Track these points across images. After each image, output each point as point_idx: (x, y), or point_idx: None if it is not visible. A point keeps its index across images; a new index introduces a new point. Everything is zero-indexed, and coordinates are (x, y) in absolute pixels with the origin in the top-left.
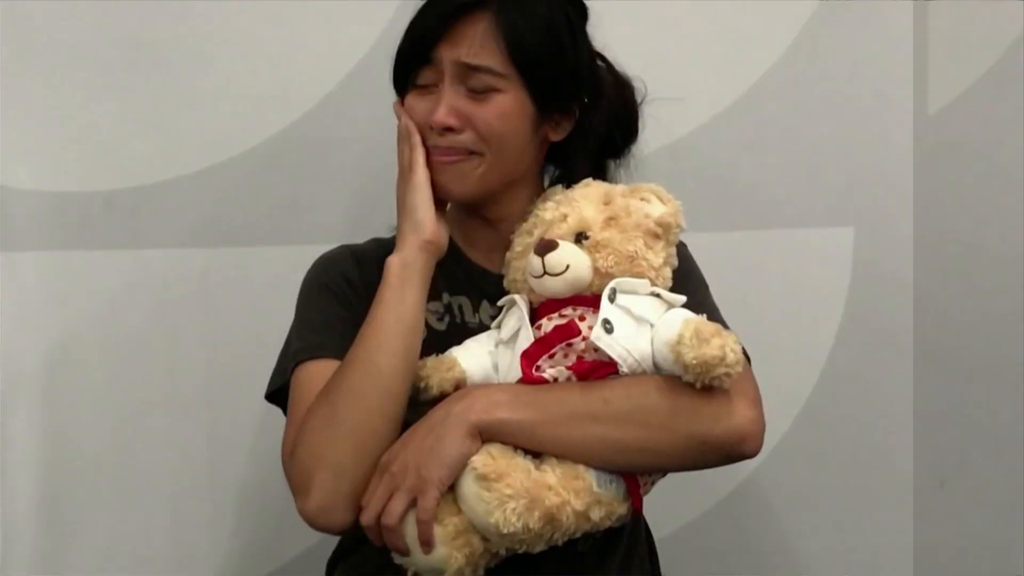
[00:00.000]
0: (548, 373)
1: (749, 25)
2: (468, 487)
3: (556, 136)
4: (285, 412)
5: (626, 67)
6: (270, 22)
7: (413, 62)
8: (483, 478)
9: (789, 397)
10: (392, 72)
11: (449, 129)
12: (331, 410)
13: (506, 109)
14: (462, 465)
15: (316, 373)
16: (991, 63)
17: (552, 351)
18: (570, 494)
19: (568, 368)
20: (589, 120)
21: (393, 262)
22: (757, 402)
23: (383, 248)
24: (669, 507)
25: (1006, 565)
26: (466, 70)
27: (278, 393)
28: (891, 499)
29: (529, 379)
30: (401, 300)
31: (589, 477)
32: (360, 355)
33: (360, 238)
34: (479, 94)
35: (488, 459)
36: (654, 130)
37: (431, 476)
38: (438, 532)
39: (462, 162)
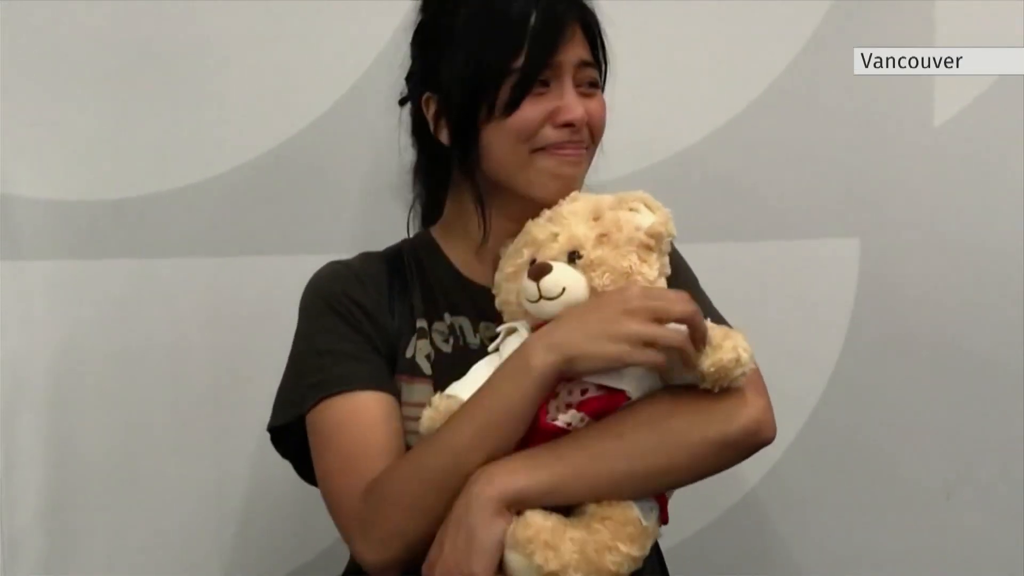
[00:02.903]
0: (561, 420)
1: (755, 36)
2: None
3: None
4: (282, 443)
5: (633, 75)
6: (277, 31)
7: (533, 71)
8: (551, 575)
9: (795, 407)
10: (472, 89)
11: (570, 124)
12: (433, 465)
13: (604, 102)
14: (500, 547)
15: (361, 408)
16: (996, 75)
17: (555, 390)
18: (628, 545)
19: (579, 409)
20: None
21: (534, 368)
22: (763, 389)
23: (376, 264)
24: (675, 517)
25: None
26: (582, 67)
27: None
28: (897, 510)
29: (545, 427)
30: (516, 396)
31: (635, 514)
32: (476, 434)
33: (368, 247)
34: (591, 88)
35: (550, 553)
36: (661, 139)
37: (476, 571)
38: None
39: (582, 158)
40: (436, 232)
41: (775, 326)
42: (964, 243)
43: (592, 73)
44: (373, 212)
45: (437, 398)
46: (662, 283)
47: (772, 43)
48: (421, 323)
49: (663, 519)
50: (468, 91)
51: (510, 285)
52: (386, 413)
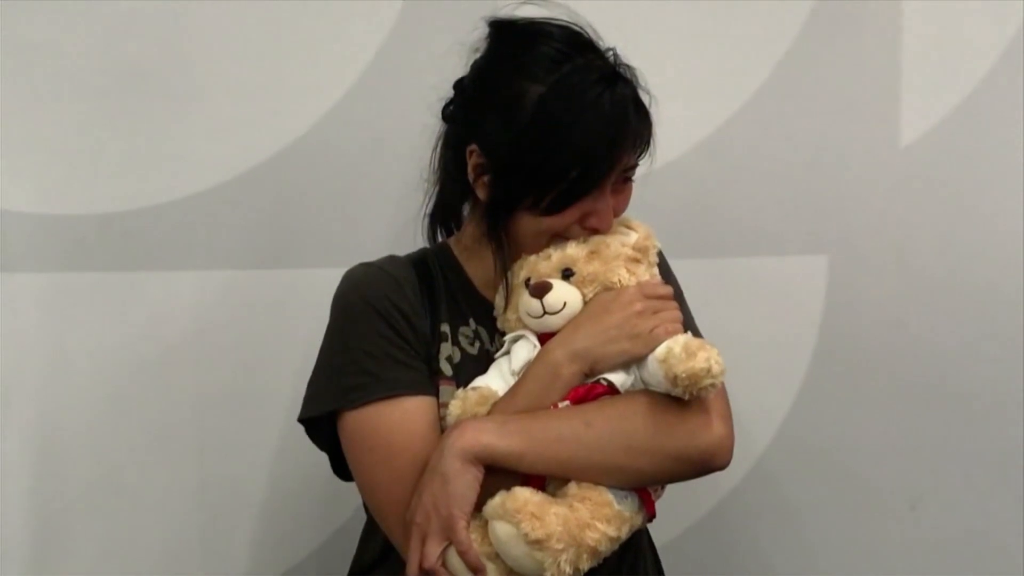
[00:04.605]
0: None
1: (726, 58)
2: (519, 549)
3: None
4: (314, 431)
5: None
6: (265, 49)
7: (586, 189)
8: (536, 543)
9: (763, 421)
10: (524, 186)
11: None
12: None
13: (632, 186)
14: (474, 493)
15: (412, 412)
16: (963, 97)
17: None
18: (604, 524)
19: (564, 397)
20: None
21: (562, 376)
22: (728, 418)
23: (406, 269)
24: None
25: None
26: (626, 170)
27: (315, 415)
28: (863, 520)
29: None
30: (547, 403)
31: (610, 497)
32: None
33: (356, 263)
34: (624, 183)
35: (536, 523)
36: None
37: (452, 512)
38: (492, 569)
39: None
40: (456, 249)
41: (744, 341)
42: (930, 260)
43: (632, 170)
44: (361, 227)
45: (461, 392)
46: None
47: (742, 66)
48: (444, 327)
49: (650, 513)
50: (519, 186)
51: (511, 303)
52: (433, 420)
